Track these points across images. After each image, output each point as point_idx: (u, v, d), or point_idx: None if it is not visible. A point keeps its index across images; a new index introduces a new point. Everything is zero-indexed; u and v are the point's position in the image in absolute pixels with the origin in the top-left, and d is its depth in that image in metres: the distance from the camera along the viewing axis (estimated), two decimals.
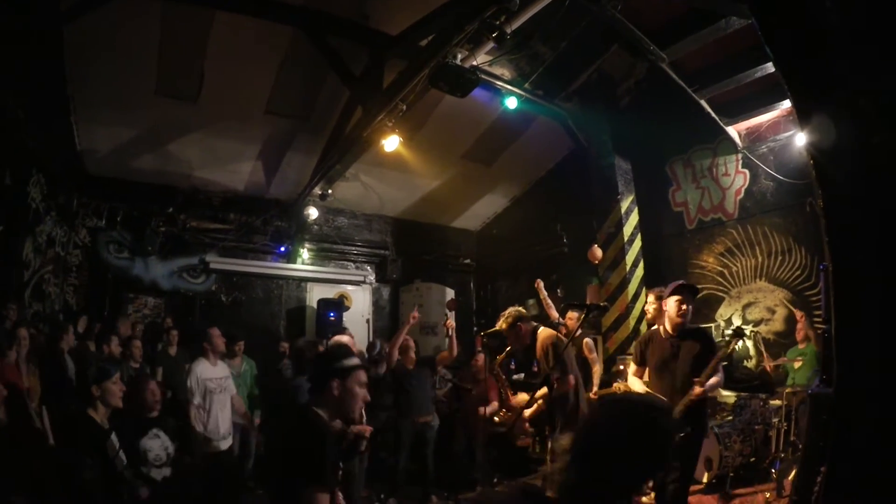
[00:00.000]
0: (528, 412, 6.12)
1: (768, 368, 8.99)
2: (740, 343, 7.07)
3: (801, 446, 7.31)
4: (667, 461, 2.11)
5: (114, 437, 4.30)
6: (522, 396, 6.37)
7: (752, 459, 7.50)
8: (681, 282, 5.64)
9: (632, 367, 5.96)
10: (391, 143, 9.19)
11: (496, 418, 7.48)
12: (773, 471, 7.04)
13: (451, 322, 8.35)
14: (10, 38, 6.69)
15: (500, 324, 6.14)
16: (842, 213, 3.92)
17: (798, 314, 8.96)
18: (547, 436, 6.08)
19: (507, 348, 6.45)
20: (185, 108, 10.01)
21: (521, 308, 6.28)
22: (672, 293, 5.48)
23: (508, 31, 7.02)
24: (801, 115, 4.24)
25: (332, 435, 3.01)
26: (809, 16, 4.17)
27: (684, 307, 5.39)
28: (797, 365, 8.33)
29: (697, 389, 5.08)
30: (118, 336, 8.39)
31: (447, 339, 8.45)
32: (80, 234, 10.92)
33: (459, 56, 7.56)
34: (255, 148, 11.50)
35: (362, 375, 3.19)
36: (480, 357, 9.49)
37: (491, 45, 7.45)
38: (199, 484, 5.55)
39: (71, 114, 9.46)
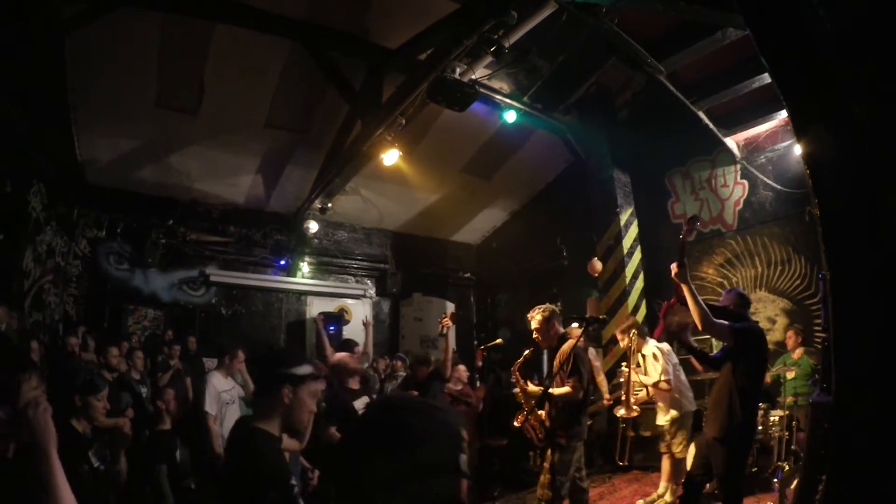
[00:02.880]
0: (543, 412, 6.01)
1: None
2: None
3: (802, 456, 7.35)
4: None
5: (97, 447, 4.22)
6: (533, 389, 6.28)
7: (754, 469, 7.47)
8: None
9: None
10: (390, 156, 9.21)
11: (516, 423, 7.35)
12: (775, 480, 7.01)
13: (448, 321, 7.74)
14: (11, 48, 6.73)
15: (536, 314, 6.01)
16: (838, 223, 3.94)
17: (790, 331, 8.95)
18: (545, 447, 6.03)
19: (525, 352, 6.37)
20: (185, 120, 10.05)
21: (555, 307, 6.18)
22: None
23: (506, 45, 7.07)
24: (797, 125, 4.26)
25: (286, 469, 2.70)
26: (803, 25, 4.19)
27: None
28: (790, 375, 8.31)
29: None
30: (118, 348, 8.34)
31: (443, 340, 8.04)
32: (80, 244, 10.92)
33: (458, 70, 7.60)
34: (254, 161, 11.53)
35: (315, 386, 2.97)
36: (461, 367, 9.47)
37: (489, 59, 7.53)
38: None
39: (72, 124, 9.49)
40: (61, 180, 9.81)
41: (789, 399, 7.57)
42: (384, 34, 8.98)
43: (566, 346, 5.79)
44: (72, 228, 10.72)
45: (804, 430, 6.86)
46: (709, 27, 7.55)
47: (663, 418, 7.40)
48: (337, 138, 10.50)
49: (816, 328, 8.60)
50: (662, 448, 7.58)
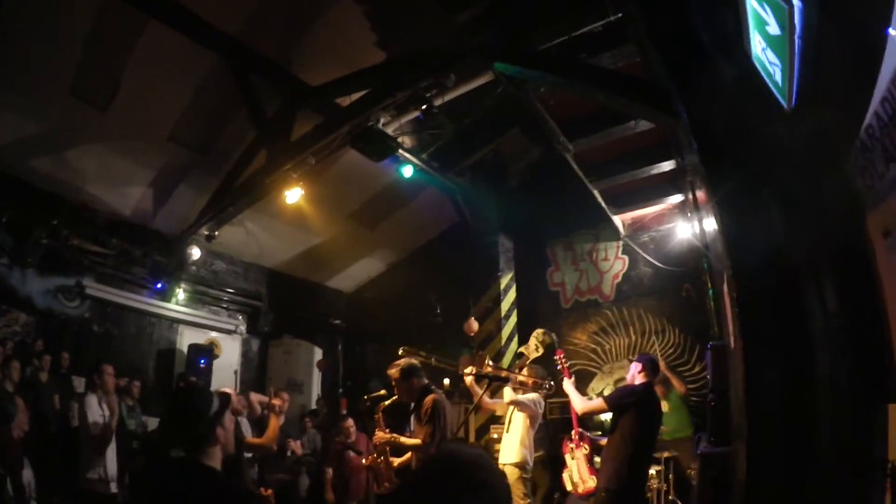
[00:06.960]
0: (397, 461, 6.21)
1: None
2: None
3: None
4: None
5: None
6: (382, 435, 6.33)
7: None
8: None
9: None
10: (293, 195, 9.30)
11: (364, 461, 7.43)
12: None
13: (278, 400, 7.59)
14: None
15: (392, 371, 6.17)
16: (749, 282, 4.61)
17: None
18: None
19: (395, 397, 6.47)
20: (92, 115, 9.43)
21: (415, 361, 6.33)
22: None
23: (436, 104, 7.44)
24: (718, 205, 4.95)
25: None
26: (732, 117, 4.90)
27: None
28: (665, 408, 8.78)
29: None
30: None
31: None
32: None
33: (382, 120, 7.89)
34: (150, 173, 10.96)
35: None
36: (350, 421, 9.62)
37: (416, 114, 7.83)
38: None
39: None
40: None
41: (665, 454, 8.10)
42: (307, 69, 9.10)
43: (428, 400, 5.96)
44: None
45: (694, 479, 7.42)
46: (625, 115, 7.85)
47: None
48: (237, 165, 10.29)
49: (692, 387, 9.39)
50: None
